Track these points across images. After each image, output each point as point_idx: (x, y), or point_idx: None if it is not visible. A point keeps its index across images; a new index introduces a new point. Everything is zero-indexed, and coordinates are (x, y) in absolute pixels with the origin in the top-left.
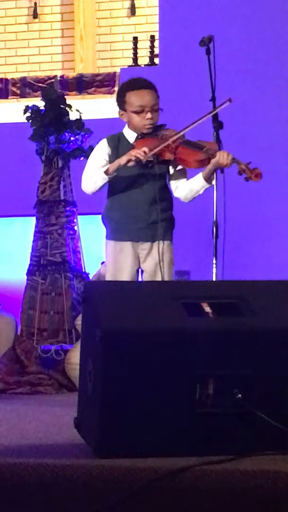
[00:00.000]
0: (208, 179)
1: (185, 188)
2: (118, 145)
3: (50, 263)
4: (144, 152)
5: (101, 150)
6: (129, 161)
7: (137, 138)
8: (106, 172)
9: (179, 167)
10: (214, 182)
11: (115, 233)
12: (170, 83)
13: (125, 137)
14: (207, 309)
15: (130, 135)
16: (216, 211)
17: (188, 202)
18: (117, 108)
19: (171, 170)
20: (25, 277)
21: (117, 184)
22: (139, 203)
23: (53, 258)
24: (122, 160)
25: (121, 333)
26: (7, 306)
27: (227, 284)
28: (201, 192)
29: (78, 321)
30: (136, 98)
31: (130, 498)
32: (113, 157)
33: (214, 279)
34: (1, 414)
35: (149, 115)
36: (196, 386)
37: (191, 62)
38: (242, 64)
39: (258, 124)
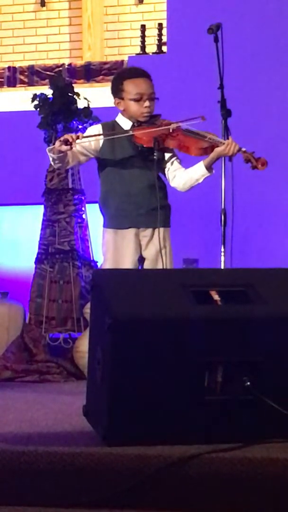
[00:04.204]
0: (209, 168)
1: (184, 177)
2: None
3: (58, 251)
4: (77, 136)
5: (91, 133)
6: (60, 144)
7: (133, 126)
8: (51, 150)
9: (174, 157)
10: (213, 171)
11: (116, 220)
12: (178, 71)
13: (119, 124)
14: (216, 296)
15: (124, 123)
16: (224, 199)
17: (185, 192)
18: None
19: (168, 160)
20: (34, 266)
21: (115, 171)
22: (140, 189)
23: (61, 246)
24: (56, 144)
25: (130, 320)
26: (15, 295)
27: (235, 272)
28: (200, 181)
29: (87, 309)
30: (134, 86)
31: (138, 486)
32: (108, 144)
33: (222, 267)
34: (10, 402)
35: (147, 103)
36: (205, 374)
37: (199, 50)
38: (250, 52)
39: (266, 112)
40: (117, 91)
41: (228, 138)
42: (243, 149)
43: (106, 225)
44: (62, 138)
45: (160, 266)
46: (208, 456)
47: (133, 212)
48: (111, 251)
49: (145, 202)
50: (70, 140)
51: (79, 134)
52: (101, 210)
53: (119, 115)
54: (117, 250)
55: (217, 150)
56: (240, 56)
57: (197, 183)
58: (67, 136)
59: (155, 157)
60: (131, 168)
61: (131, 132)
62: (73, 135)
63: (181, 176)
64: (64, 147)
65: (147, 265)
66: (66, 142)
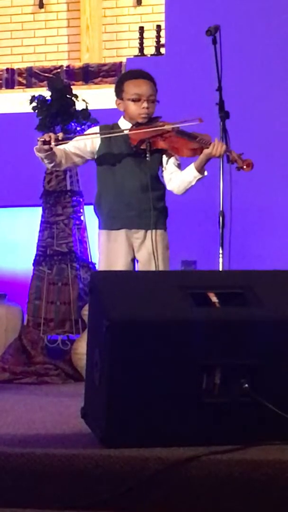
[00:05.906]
0: (200, 170)
1: (178, 180)
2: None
3: (57, 253)
4: (57, 135)
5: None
6: (41, 144)
7: (132, 127)
8: (36, 149)
9: (173, 159)
10: (206, 173)
11: (108, 221)
12: (176, 73)
13: (119, 126)
14: (214, 298)
15: (125, 125)
16: (222, 201)
17: (181, 195)
18: None
19: (165, 162)
20: (32, 267)
21: (108, 172)
22: (132, 190)
23: (60, 248)
24: (38, 144)
25: (128, 323)
26: (13, 296)
27: (233, 274)
28: (193, 183)
29: (85, 311)
30: (133, 87)
31: (136, 488)
32: (104, 145)
33: (220, 269)
34: (8, 404)
35: (145, 104)
36: (203, 376)
37: (197, 52)
38: (249, 54)
39: (264, 113)
40: (118, 92)
41: (225, 141)
42: (231, 150)
43: (100, 226)
44: (40, 138)
45: (152, 269)
46: (206, 458)
47: (124, 213)
48: (105, 253)
49: (137, 203)
50: (48, 139)
51: (59, 134)
52: (95, 211)
53: (121, 117)
54: (110, 252)
55: (205, 151)
56: (238, 58)
57: (191, 185)
58: (45, 135)
59: (147, 158)
60: (125, 169)
61: (125, 132)
62: (52, 134)
63: (175, 179)
64: (45, 146)
65: (140, 267)
66: (44, 142)
